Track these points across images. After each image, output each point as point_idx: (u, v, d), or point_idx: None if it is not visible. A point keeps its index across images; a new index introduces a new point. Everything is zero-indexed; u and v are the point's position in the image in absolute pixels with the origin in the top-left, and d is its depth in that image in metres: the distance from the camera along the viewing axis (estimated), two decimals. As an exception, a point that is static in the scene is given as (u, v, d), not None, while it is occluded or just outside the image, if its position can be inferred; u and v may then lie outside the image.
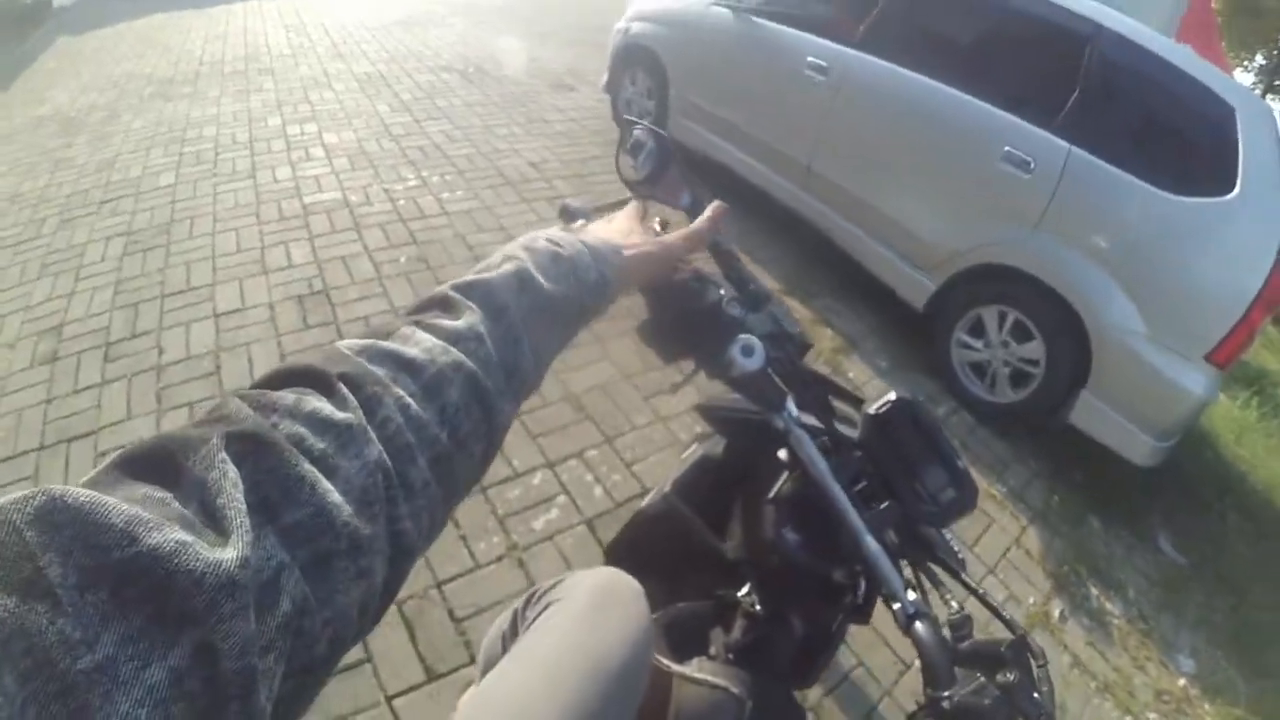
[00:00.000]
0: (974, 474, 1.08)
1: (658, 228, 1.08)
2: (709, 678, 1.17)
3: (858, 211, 4.78)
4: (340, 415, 0.47)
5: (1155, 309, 3.67)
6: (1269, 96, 20.05)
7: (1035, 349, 4.02)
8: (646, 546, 1.53)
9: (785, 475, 1.16)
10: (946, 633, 0.94)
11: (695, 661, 1.24)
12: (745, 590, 1.35)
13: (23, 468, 3.09)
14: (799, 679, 1.42)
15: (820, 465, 1.03)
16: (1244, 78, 20.83)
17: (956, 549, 1.16)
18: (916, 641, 0.91)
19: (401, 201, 5.15)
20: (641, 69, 6.44)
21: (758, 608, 1.32)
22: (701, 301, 1.03)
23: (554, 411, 3.52)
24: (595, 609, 1.11)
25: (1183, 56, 3.93)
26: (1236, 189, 3.54)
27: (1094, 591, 3.52)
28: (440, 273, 4.37)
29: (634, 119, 1.06)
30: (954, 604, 1.00)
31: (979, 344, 4.27)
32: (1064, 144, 3.88)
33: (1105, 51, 3.95)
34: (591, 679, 0.99)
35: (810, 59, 4.92)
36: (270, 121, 6.60)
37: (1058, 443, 4.20)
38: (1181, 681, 3.30)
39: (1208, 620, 3.69)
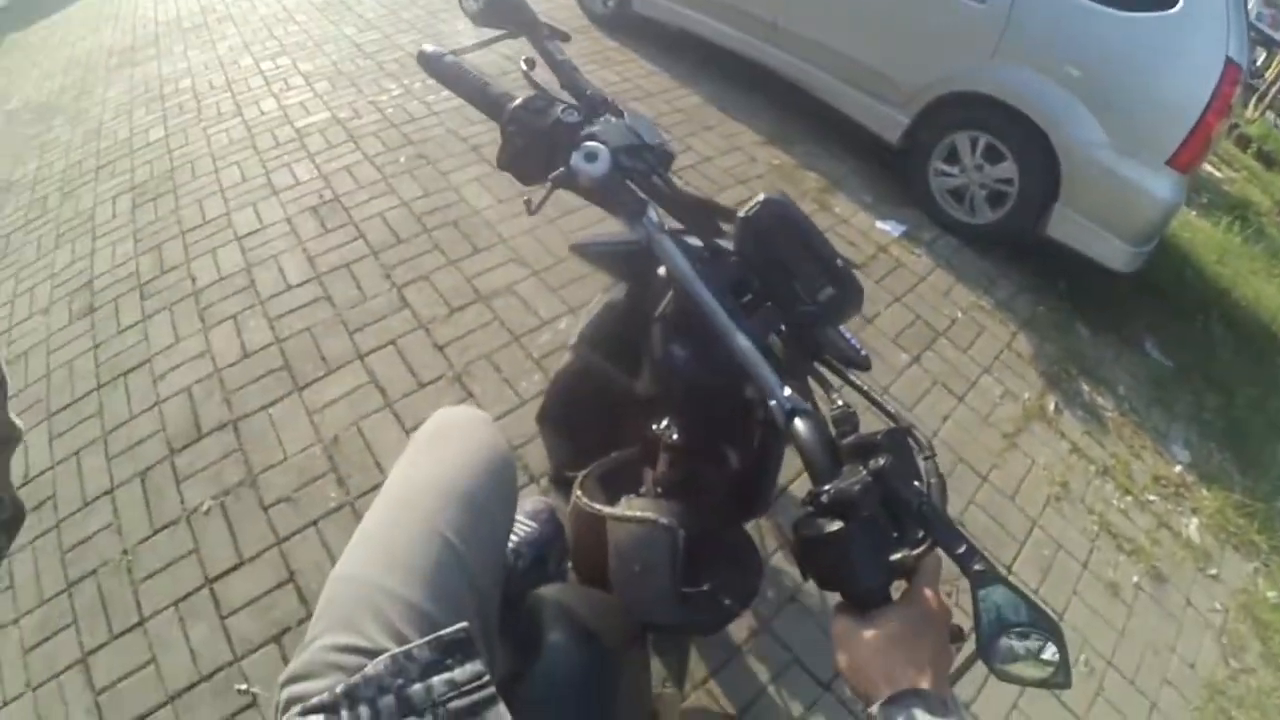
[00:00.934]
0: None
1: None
2: (635, 513, 1.15)
3: (827, 58, 4.88)
4: None
5: (1115, 121, 3.84)
6: None
7: (1008, 168, 4.20)
8: (570, 405, 1.52)
9: (670, 293, 1.13)
10: (832, 431, 0.91)
11: (623, 500, 1.22)
12: (665, 424, 1.30)
13: (84, 408, 3.27)
14: (745, 507, 1.41)
15: (684, 268, 0.99)
16: None
17: (860, 350, 1.14)
18: (795, 438, 0.89)
19: (389, 110, 5.21)
20: (603, -57, 6.37)
21: (675, 438, 1.27)
22: (545, 119, 1.04)
23: (570, 266, 3.70)
24: (429, 443, 1.16)
25: None
26: (1180, 3, 3.67)
27: (1085, 388, 3.73)
28: (439, 165, 4.51)
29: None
30: (839, 401, 0.96)
31: (955, 170, 4.44)
32: None
33: None
34: (438, 500, 1.03)
35: None
36: (242, 62, 6.59)
37: (1040, 258, 4.39)
38: (1178, 468, 3.52)
39: (1198, 417, 3.91)
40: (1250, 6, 4.53)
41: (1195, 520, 3.31)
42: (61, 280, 4.20)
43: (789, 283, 1.00)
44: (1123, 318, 4.36)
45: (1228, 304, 5.14)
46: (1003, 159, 4.23)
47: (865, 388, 1.08)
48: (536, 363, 3.24)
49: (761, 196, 1.02)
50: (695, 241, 1.10)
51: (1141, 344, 4.29)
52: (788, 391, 0.91)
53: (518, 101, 1.08)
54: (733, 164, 4.77)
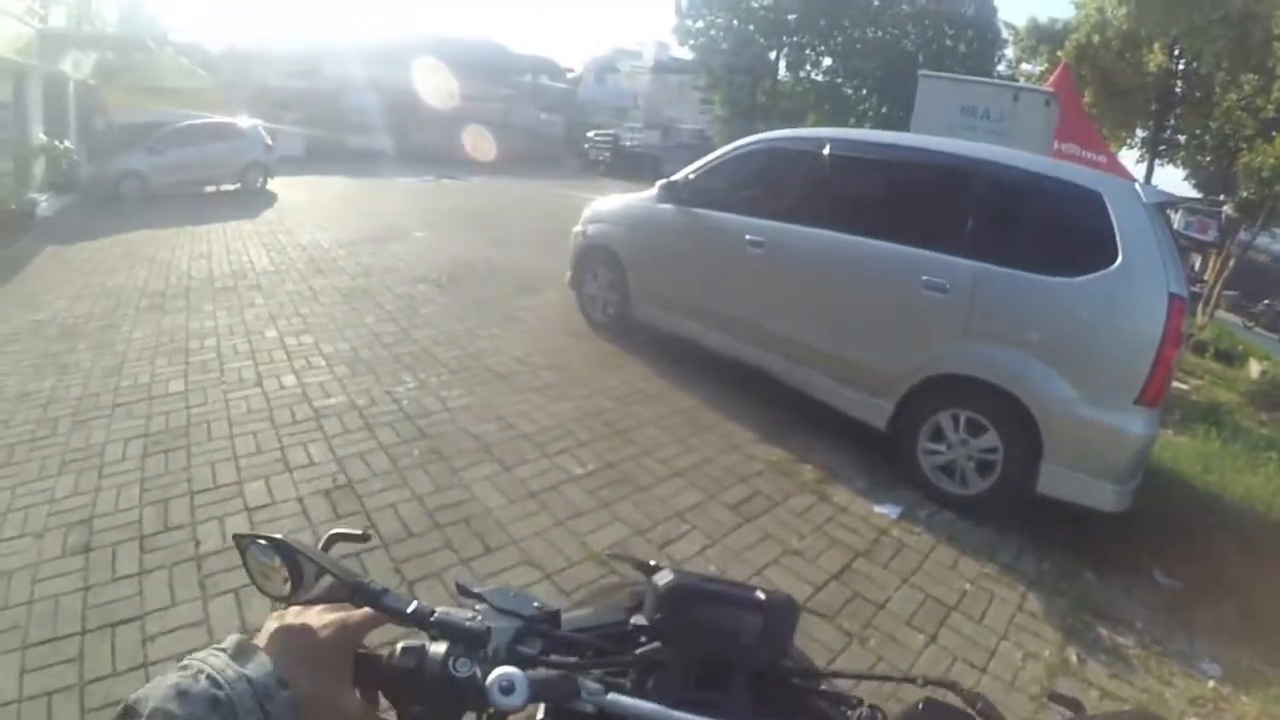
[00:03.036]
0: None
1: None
2: None
3: (814, 357, 5.48)
4: None
5: (1082, 376, 4.33)
6: (1156, 162, 22.38)
7: (991, 439, 4.61)
8: None
9: None
10: None
11: None
12: None
13: (65, 649, 3.20)
14: None
15: (646, 709, 0.90)
16: (1130, 153, 23.17)
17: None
18: None
19: (405, 402, 5.55)
20: (602, 265, 7.28)
21: None
22: (423, 677, 0.87)
23: (583, 570, 3.75)
24: None
25: (1049, 165, 5.02)
26: (1120, 258, 4.26)
27: (1103, 632, 3.80)
28: (452, 461, 4.73)
29: (246, 535, 0.93)
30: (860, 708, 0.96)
31: (942, 447, 4.81)
32: (970, 262, 4.66)
33: (986, 179, 4.88)
34: None
35: (749, 236, 5.76)
36: (267, 333, 7.06)
37: (1035, 515, 4.62)
38: (1211, 684, 3.55)
39: (1220, 627, 3.97)
40: (1177, 220, 5.13)
41: (1241, 729, 3.28)
42: (60, 509, 4.24)
43: (731, 638, 0.97)
44: (1126, 554, 4.49)
45: (1222, 508, 5.36)
46: (985, 430, 4.61)
47: (861, 673, 1.11)
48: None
49: (660, 584, 0.99)
50: (620, 678, 0.99)
51: (1149, 574, 4.39)
52: None
53: (395, 658, 0.90)
54: (732, 462, 5.04)
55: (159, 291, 8.82)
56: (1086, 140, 11.90)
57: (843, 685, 1.09)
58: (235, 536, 0.94)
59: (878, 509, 4.69)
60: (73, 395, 5.81)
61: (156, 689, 0.70)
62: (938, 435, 4.85)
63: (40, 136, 16.86)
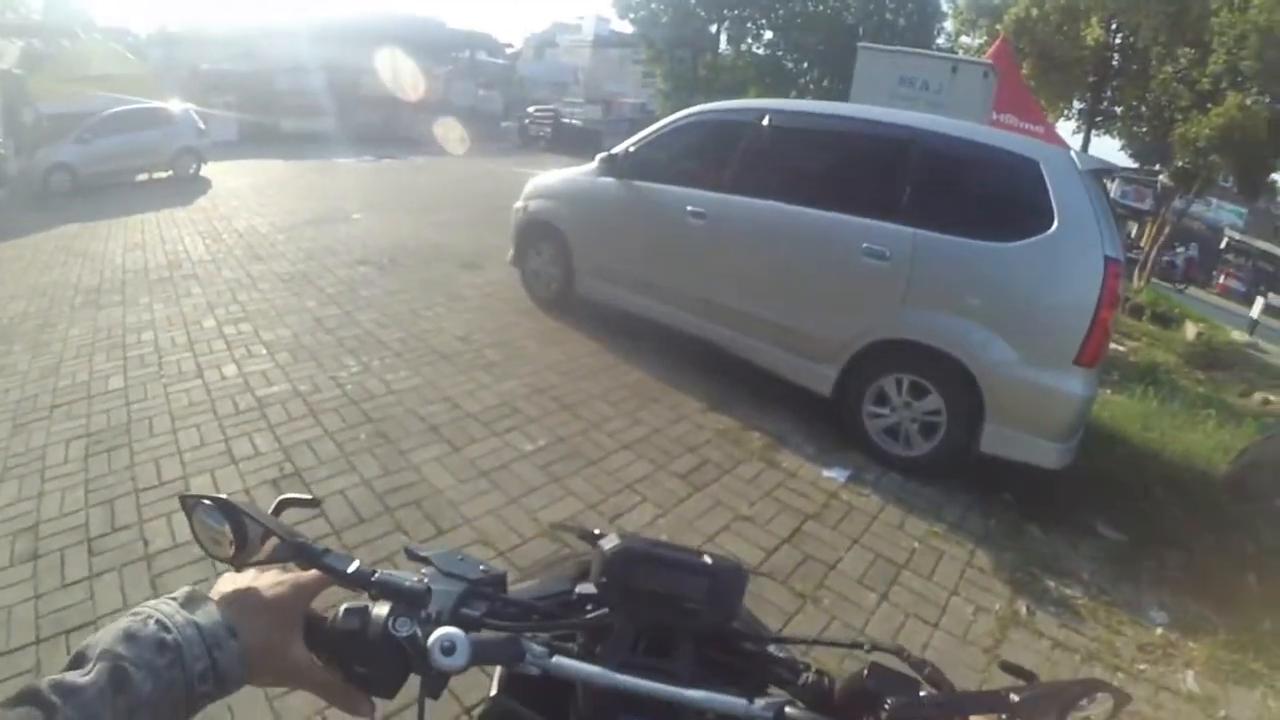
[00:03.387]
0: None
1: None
2: None
3: (758, 327, 5.53)
4: None
5: (1021, 338, 4.46)
6: (1093, 133, 23.00)
7: (934, 401, 4.74)
8: None
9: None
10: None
11: None
12: None
13: (21, 661, 3.16)
14: None
15: (601, 674, 0.91)
16: (1068, 124, 23.69)
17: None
18: None
19: (349, 386, 5.51)
20: (544, 240, 7.25)
21: None
22: (366, 638, 0.88)
23: (536, 546, 3.77)
24: None
25: (986, 134, 5.12)
26: (1055, 222, 4.38)
27: (1051, 584, 3.94)
28: (400, 443, 4.73)
29: (190, 495, 0.93)
30: (804, 669, 0.97)
31: (886, 410, 4.92)
32: (908, 229, 4.75)
33: (924, 148, 4.93)
34: None
35: (690, 208, 5.78)
36: (205, 323, 6.94)
37: (979, 474, 4.77)
38: (1159, 631, 3.69)
39: (1165, 579, 4.15)
40: (1114, 189, 5.30)
41: (1190, 673, 3.41)
42: (5, 517, 4.17)
43: (678, 603, 0.95)
44: (1070, 509, 4.66)
45: (1163, 464, 5.60)
46: (928, 393, 4.73)
47: (811, 639, 1.09)
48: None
49: (606, 549, 0.97)
50: (567, 642, 1.00)
51: (1094, 528, 4.55)
52: (760, 701, 0.89)
53: (339, 620, 0.90)
54: (681, 432, 5.11)
55: (93, 287, 8.62)
56: (1024, 111, 12.18)
57: (794, 650, 1.08)
58: (180, 497, 0.95)
59: (826, 473, 4.79)
60: (10, 399, 5.70)
61: (106, 634, 0.70)
62: (881, 399, 4.95)
63: None
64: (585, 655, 0.95)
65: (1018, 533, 4.39)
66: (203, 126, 19.60)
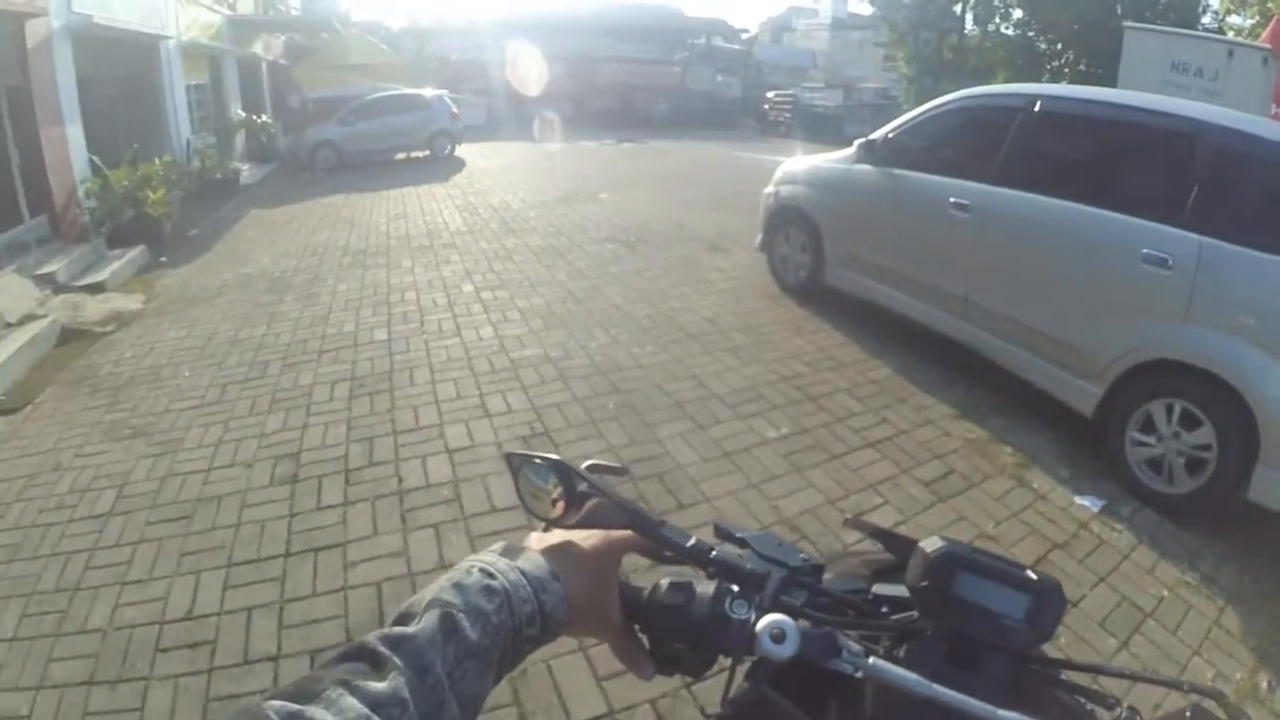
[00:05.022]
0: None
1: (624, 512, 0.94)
2: None
3: (1018, 332, 5.02)
4: None
5: None
6: None
7: (1205, 434, 4.07)
8: None
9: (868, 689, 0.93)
10: None
11: None
12: None
13: (268, 570, 3.40)
14: None
15: (920, 684, 0.83)
16: None
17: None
18: None
19: (598, 356, 5.58)
20: (794, 227, 7.02)
21: None
22: (690, 614, 0.87)
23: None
24: None
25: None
26: None
27: None
28: (646, 417, 4.71)
29: (519, 453, 0.93)
30: (1119, 710, 0.88)
31: (1151, 439, 4.32)
32: (1194, 236, 4.10)
33: (1210, 144, 4.24)
34: None
35: (953, 199, 5.33)
36: (464, 288, 7.29)
37: (1242, 524, 4.16)
38: None
39: None
40: None
41: None
42: (270, 443, 4.51)
43: (990, 620, 0.88)
44: None
45: None
46: (1200, 424, 4.11)
47: (1129, 671, 1.02)
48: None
49: (929, 550, 0.90)
50: (875, 644, 0.93)
51: None
52: None
53: (662, 593, 0.90)
54: (927, 438, 4.80)
55: (359, 249, 9.25)
56: None
57: (1105, 682, 1.01)
58: (508, 455, 0.94)
59: (1078, 500, 4.33)
60: (282, 341, 6.16)
61: (431, 588, 0.71)
62: (1148, 427, 4.38)
63: (239, 112, 18.49)
64: (888, 659, 0.88)
65: (1273, 596, 3.83)
66: (455, 110, 20.68)
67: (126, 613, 3.15)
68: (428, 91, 20.87)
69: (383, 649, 0.62)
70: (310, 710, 0.54)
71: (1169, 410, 4.24)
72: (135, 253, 9.36)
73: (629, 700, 2.71)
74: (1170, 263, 4.17)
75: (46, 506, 4.02)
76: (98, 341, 6.58)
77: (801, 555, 0.96)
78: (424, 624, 0.66)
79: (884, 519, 3.88)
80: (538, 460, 0.91)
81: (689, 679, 2.55)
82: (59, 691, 2.78)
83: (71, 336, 6.69)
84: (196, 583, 3.30)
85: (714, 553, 0.91)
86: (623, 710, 2.68)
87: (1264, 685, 3.25)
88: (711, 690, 2.55)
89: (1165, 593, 3.68)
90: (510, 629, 0.71)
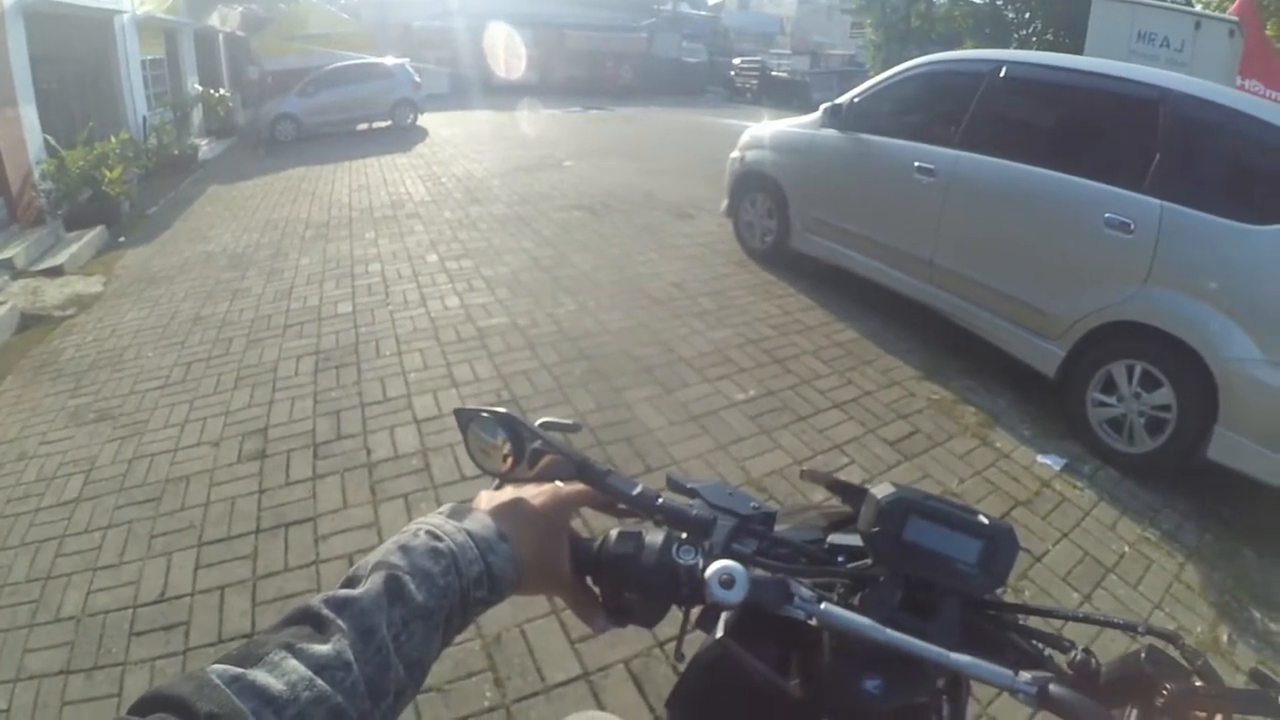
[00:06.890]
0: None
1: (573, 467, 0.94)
2: None
3: (982, 295, 5.08)
4: None
5: (1268, 334, 3.84)
6: None
7: (1165, 395, 4.16)
8: (706, 694, 1.27)
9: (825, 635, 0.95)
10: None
11: None
12: None
13: (239, 548, 3.39)
14: None
15: (869, 626, 0.84)
16: None
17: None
18: (1059, 711, 0.78)
19: (565, 323, 5.57)
20: (760, 192, 7.03)
21: None
22: (639, 563, 0.88)
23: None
24: None
25: (1246, 101, 4.37)
26: None
27: (1258, 615, 3.52)
28: (613, 381, 4.73)
29: (467, 408, 0.92)
30: (1069, 647, 0.91)
31: (1113, 399, 4.42)
32: (1156, 201, 4.17)
33: (1175, 111, 4.29)
34: None
35: (917, 163, 5.37)
36: (428, 258, 7.22)
37: (1201, 482, 4.25)
38: None
39: None
40: None
41: None
42: (236, 420, 4.48)
43: (947, 563, 0.88)
44: None
45: None
46: (1160, 385, 4.21)
47: (1082, 614, 1.01)
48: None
49: (880, 496, 0.91)
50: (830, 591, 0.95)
51: None
52: (1024, 675, 0.80)
53: (611, 543, 0.91)
54: (893, 398, 4.86)
55: (322, 222, 9.14)
56: (1272, 78, 10.77)
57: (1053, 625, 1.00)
58: (456, 411, 0.94)
59: (1041, 459, 4.42)
60: (245, 318, 6.09)
61: (376, 553, 0.72)
62: (1109, 387, 4.47)
63: (196, 87, 18.26)
64: (843, 605, 0.89)
65: (1232, 554, 3.91)
66: (418, 79, 20.43)
67: (99, 599, 3.13)
68: (389, 60, 20.61)
69: (327, 612, 0.62)
70: (253, 674, 0.55)
71: (1130, 371, 4.33)
72: (94, 234, 9.16)
73: (603, 661, 2.73)
74: (1132, 227, 4.23)
75: (14, 496, 3.98)
76: (59, 326, 6.47)
77: (753, 503, 0.97)
78: (369, 586, 0.66)
79: (850, 478, 3.90)
80: (485, 415, 0.90)
81: (660, 638, 2.58)
82: (36, 683, 2.76)
83: (32, 322, 6.57)
84: (168, 564, 3.28)
85: (660, 500, 0.91)
86: (597, 671, 2.69)
87: (1224, 638, 3.32)
88: (685, 650, 2.62)
89: (1127, 549, 3.76)
90: (458, 590, 0.71)
